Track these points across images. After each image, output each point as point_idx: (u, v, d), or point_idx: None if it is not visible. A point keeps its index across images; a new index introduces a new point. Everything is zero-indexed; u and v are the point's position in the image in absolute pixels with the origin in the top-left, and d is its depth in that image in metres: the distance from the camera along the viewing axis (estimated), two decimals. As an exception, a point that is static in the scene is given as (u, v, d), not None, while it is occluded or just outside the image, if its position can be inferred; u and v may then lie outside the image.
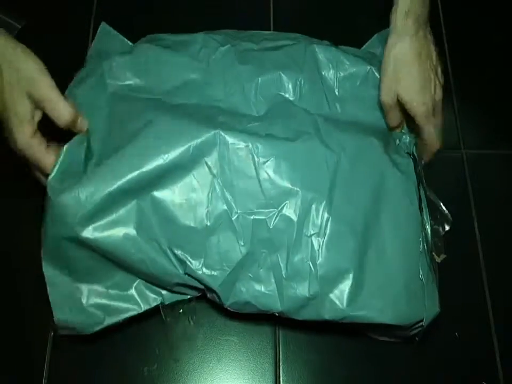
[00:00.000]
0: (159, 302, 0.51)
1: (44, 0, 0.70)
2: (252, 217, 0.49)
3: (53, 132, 0.48)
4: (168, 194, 0.48)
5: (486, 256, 0.59)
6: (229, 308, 0.50)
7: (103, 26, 0.61)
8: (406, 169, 0.54)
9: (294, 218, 0.49)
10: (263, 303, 0.49)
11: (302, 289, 0.48)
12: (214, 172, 0.49)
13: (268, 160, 0.50)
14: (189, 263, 0.48)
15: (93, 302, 0.49)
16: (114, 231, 0.47)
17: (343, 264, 0.48)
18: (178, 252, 0.48)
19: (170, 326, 0.55)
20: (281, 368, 0.54)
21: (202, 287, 0.50)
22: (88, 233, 0.46)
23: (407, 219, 0.51)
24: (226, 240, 0.49)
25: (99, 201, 0.46)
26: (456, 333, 0.56)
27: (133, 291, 0.50)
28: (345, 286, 0.48)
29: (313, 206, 0.49)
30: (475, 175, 0.64)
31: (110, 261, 0.48)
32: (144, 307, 0.50)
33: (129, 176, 0.46)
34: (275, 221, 0.49)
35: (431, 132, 0.52)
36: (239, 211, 0.49)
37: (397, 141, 0.56)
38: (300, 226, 0.49)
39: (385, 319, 0.48)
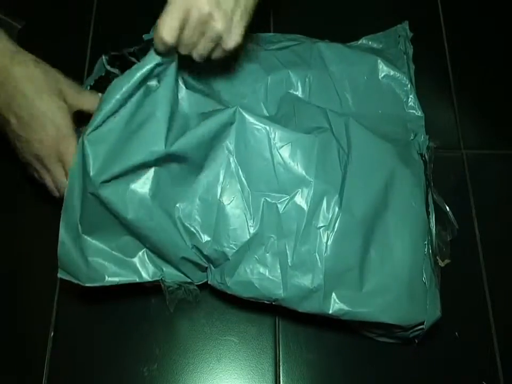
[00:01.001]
0: (159, 277, 0.50)
1: (44, 0, 0.70)
2: (263, 199, 0.49)
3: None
4: (185, 167, 0.48)
5: (486, 256, 0.59)
6: (229, 290, 0.49)
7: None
8: (416, 171, 0.54)
9: (305, 207, 0.49)
10: (266, 286, 0.48)
11: (306, 280, 0.48)
12: (230, 148, 0.50)
13: (284, 145, 0.50)
14: (197, 236, 0.49)
15: (96, 259, 0.48)
16: (131, 195, 0.46)
17: (349, 260, 0.49)
18: (188, 224, 0.48)
19: (171, 326, 0.55)
20: (281, 368, 0.54)
21: (206, 264, 0.50)
22: (107, 191, 0.46)
23: (413, 221, 0.52)
24: (237, 218, 0.49)
25: (123, 165, 0.45)
26: (456, 333, 0.56)
27: (135, 259, 0.50)
28: (349, 282, 0.48)
29: (325, 199, 0.49)
30: (475, 175, 0.64)
31: (121, 224, 0.48)
32: (143, 277, 0.50)
33: (154, 149, 0.46)
34: (286, 207, 0.49)
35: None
36: (251, 191, 0.49)
37: (411, 136, 0.56)
38: (310, 217, 0.49)
39: (386, 318, 0.48)
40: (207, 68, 0.53)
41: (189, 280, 0.51)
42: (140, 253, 0.50)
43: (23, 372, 0.53)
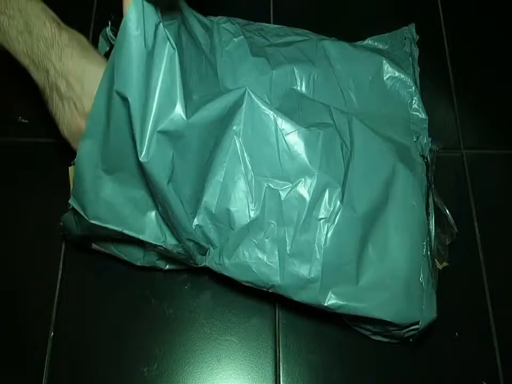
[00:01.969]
0: (161, 243, 0.49)
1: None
2: (266, 184, 0.49)
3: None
4: (195, 144, 0.46)
5: (486, 256, 0.59)
6: (226, 272, 0.49)
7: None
8: (417, 172, 0.54)
9: (307, 197, 0.49)
10: (263, 271, 0.48)
11: (304, 270, 0.48)
12: (237, 130, 0.50)
13: (290, 133, 0.50)
14: (201, 215, 0.49)
15: (109, 199, 0.47)
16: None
17: (347, 254, 0.49)
18: (194, 202, 0.48)
19: (171, 326, 0.55)
20: (281, 368, 0.54)
21: (207, 246, 0.50)
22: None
23: (413, 221, 0.52)
24: (238, 200, 0.49)
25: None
26: (456, 333, 0.56)
27: (145, 217, 0.48)
28: (347, 276, 0.49)
29: (327, 191, 0.49)
30: (475, 175, 0.64)
31: (143, 180, 0.46)
32: (146, 237, 0.48)
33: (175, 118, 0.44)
34: (288, 195, 0.49)
35: None
36: (254, 175, 0.49)
37: (414, 138, 0.56)
38: (311, 208, 0.49)
39: (382, 314, 0.48)
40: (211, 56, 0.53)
41: (181, 251, 0.50)
42: (151, 214, 0.48)
43: (23, 372, 0.53)
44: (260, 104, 0.50)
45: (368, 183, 0.51)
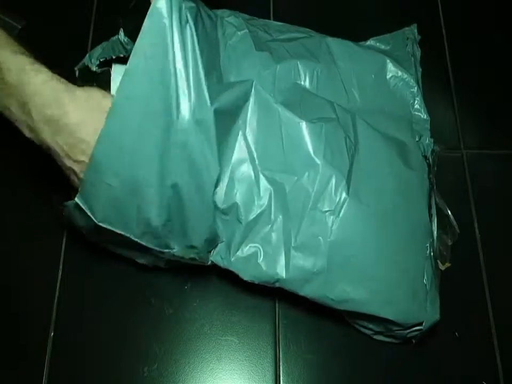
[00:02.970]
0: (169, 250, 0.49)
1: (44, 0, 0.70)
2: (271, 177, 0.49)
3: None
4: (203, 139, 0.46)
5: (486, 255, 0.59)
6: (232, 267, 0.49)
7: None
8: (420, 173, 0.54)
9: (311, 190, 0.49)
10: (269, 265, 0.48)
11: (309, 262, 0.48)
12: (243, 123, 0.50)
13: (294, 126, 0.50)
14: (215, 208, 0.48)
15: (119, 205, 0.46)
16: None
17: (352, 248, 0.49)
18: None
19: (171, 326, 0.55)
20: (281, 368, 0.54)
21: (220, 240, 0.49)
22: None
23: (416, 223, 0.52)
24: (245, 194, 0.49)
25: None
26: (456, 333, 0.56)
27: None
28: (352, 270, 0.48)
29: (332, 182, 0.49)
30: (475, 175, 0.64)
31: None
32: (152, 245, 0.48)
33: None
34: (293, 188, 0.49)
35: None
36: (261, 168, 0.49)
37: (417, 138, 0.56)
38: (316, 200, 0.49)
39: (386, 313, 0.48)
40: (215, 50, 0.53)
41: (193, 256, 0.50)
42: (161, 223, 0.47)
43: (23, 372, 0.53)
44: (266, 97, 0.50)
45: (373, 178, 0.51)
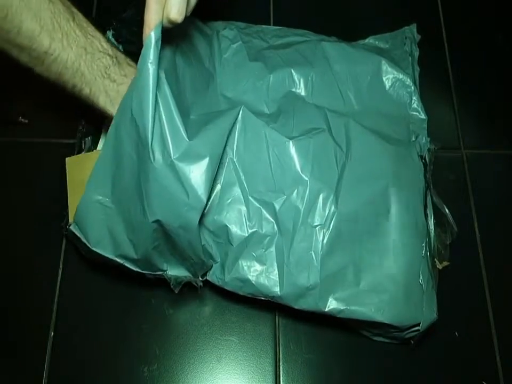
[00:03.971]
0: (161, 272, 0.50)
1: None
2: (260, 198, 0.50)
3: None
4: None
5: (486, 255, 0.59)
6: (227, 286, 0.50)
7: None
8: (415, 173, 0.54)
9: (301, 206, 0.49)
10: (263, 284, 0.49)
11: (302, 278, 0.48)
12: (230, 148, 0.50)
13: (281, 145, 0.50)
14: (203, 231, 0.49)
15: (112, 231, 0.47)
16: None
17: (345, 259, 0.49)
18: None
19: (171, 326, 0.55)
20: (281, 368, 0.54)
21: (212, 262, 0.50)
22: None
23: (411, 223, 0.52)
24: (235, 217, 0.49)
25: None
26: (456, 333, 0.56)
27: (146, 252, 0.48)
28: (345, 281, 0.49)
29: (321, 197, 0.49)
30: (475, 175, 0.64)
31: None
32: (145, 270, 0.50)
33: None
34: (282, 206, 0.49)
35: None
36: (249, 190, 0.50)
37: (413, 137, 0.56)
38: (306, 215, 0.49)
39: (382, 318, 0.49)
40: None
41: (190, 275, 0.51)
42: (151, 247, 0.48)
43: (23, 372, 0.53)
44: (253, 120, 0.50)
45: (364, 186, 0.51)
